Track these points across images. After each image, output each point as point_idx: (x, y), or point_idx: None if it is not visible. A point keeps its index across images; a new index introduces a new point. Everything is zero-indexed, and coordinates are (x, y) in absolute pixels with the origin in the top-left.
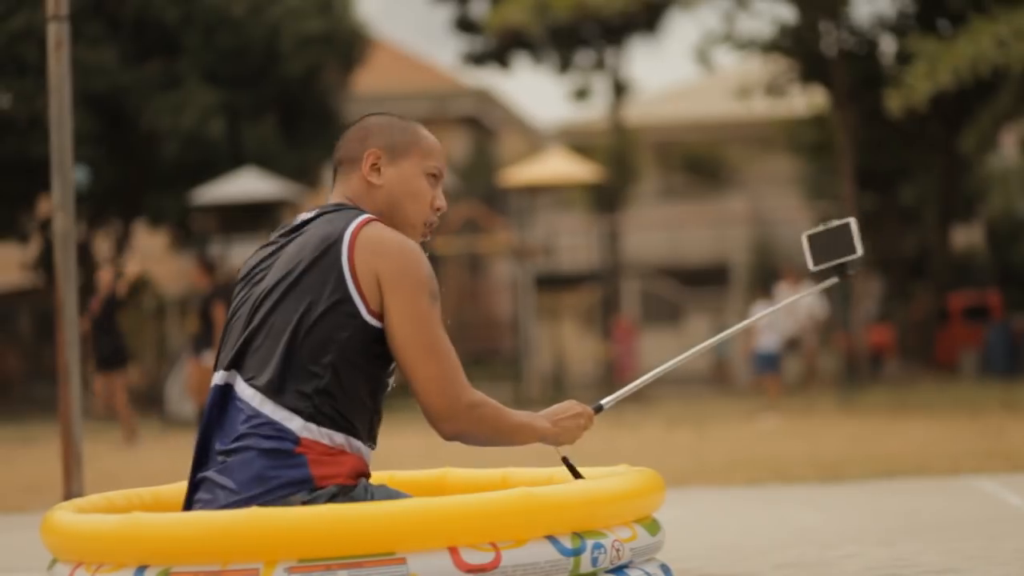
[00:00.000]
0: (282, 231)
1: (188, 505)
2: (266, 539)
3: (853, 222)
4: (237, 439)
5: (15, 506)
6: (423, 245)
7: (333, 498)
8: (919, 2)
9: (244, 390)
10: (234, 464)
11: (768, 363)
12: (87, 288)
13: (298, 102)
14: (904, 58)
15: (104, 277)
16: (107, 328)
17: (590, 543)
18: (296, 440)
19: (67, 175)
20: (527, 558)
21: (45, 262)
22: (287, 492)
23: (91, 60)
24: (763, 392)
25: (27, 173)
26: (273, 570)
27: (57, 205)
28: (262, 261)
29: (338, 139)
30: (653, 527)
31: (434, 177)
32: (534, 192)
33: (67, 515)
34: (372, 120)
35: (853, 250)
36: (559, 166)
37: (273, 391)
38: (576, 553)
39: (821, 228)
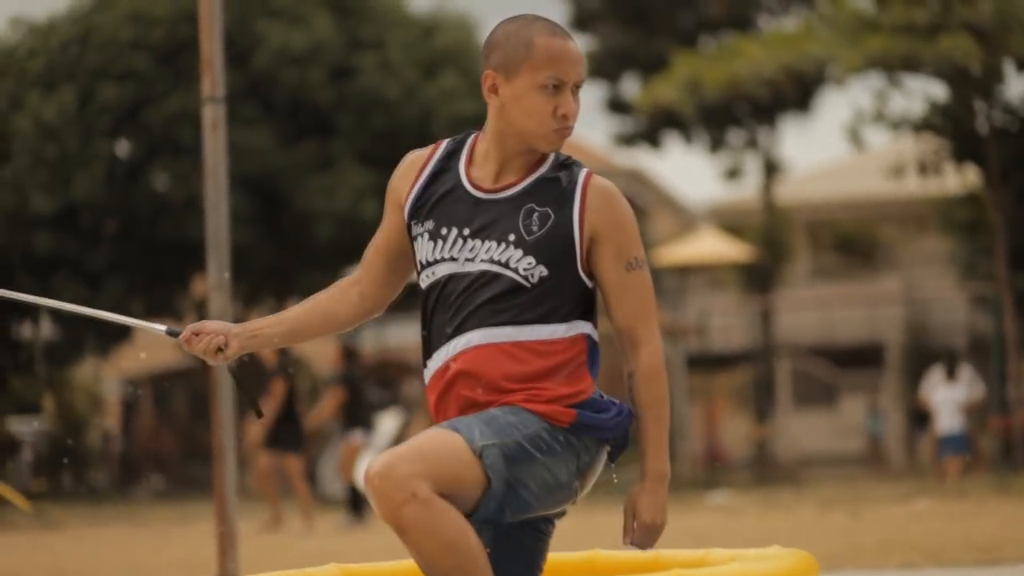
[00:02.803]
0: None
1: None
2: None
3: None
4: None
5: None
6: None
7: None
8: None
9: None
10: None
11: (955, 445)
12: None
13: None
14: None
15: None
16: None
17: None
18: None
19: (223, 256)
20: None
21: None
22: None
23: (246, 142)
24: (947, 475)
25: (182, 253)
26: None
27: (213, 285)
28: None
29: None
30: None
31: (553, 87)
32: (686, 272)
33: None
34: (497, 33)
35: None
36: (711, 246)
37: None
38: None
39: None
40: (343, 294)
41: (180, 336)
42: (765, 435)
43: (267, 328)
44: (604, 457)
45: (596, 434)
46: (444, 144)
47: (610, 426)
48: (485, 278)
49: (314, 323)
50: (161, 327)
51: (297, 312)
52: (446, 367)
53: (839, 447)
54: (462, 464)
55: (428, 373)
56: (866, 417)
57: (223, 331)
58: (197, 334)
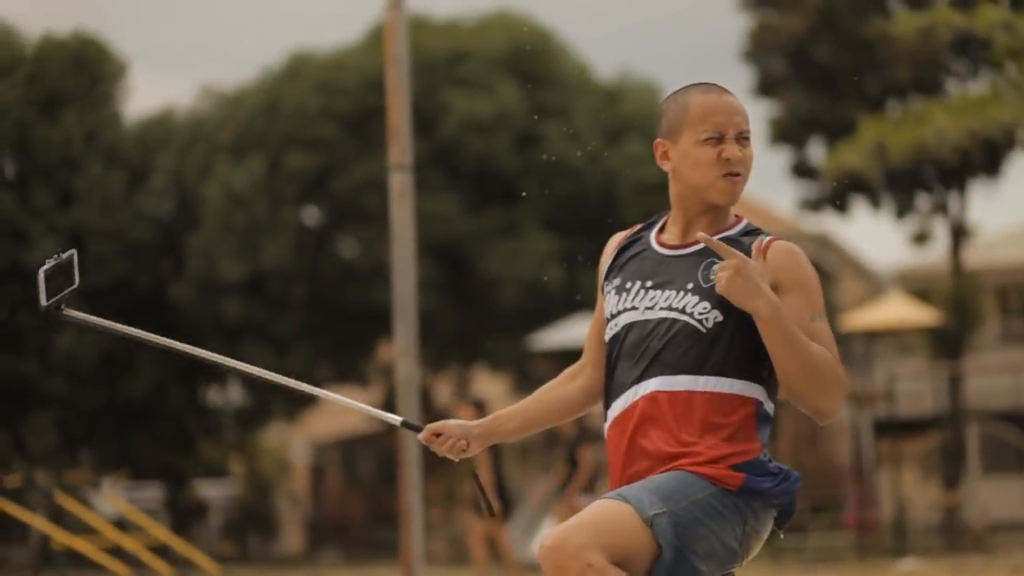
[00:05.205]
0: None
1: None
2: None
3: (74, 254)
4: None
5: None
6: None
7: None
8: None
9: None
10: None
11: None
12: None
13: None
14: None
15: (466, 414)
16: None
17: None
18: None
19: (410, 322)
20: None
21: (388, 407)
22: None
23: (432, 208)
24: None
25: (368, 319)
26: None
27: (400, 351)
28: None
29: None
30: None
31: (713, 139)
32: (873, 337)
33: None
34: (662, 104)
35: (72, 281)
36: (898, 311)
37: None
38: None
39: (52, 262)
40: (569, 381)
41: (420, 436)
42: (954, 501)
43: (503, 424)
44: (771, 522)
45: (763, 499)
46: (644, 223)
47: (777, 492)
48: (664, 325)
49: (545, 413)
50: (397, 419)
51: (528, 404)
52: (627, 415)
53: None
54: (633, 533)
55: (608, 421)
56: None
57: (463, 434)
58: (438, 435)
